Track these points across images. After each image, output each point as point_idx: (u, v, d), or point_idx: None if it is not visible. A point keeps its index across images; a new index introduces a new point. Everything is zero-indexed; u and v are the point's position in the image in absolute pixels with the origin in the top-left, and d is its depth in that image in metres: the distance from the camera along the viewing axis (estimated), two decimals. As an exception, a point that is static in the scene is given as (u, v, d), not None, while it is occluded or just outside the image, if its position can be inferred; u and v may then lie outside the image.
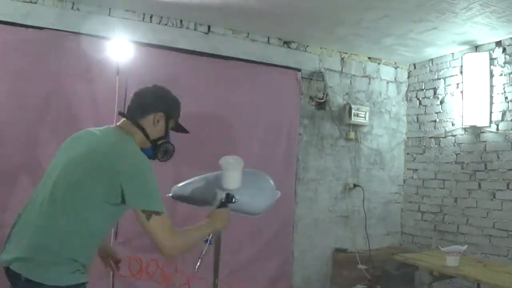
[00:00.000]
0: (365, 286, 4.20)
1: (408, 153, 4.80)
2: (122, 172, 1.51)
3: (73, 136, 1.75)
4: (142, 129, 1.71)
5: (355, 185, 4.49)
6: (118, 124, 1.75)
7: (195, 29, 3.80)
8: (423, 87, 4.65)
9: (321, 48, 4.37)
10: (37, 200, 1.57)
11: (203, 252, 1.84)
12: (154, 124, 1.74)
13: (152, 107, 1.76)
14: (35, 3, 3.25)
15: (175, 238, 1.60)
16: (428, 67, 4.60)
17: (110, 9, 3.47)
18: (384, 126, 4.72)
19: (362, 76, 4.61)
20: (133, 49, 3.45)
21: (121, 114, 1.78)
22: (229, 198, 1.88)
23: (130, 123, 1.72)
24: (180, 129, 1.91)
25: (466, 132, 4.11)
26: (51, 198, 1.53)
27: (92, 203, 1.52)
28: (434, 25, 3.53)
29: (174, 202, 2.19)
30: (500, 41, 3.82)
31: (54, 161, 1.68)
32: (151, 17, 3.62)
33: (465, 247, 3.14)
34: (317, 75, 4.33)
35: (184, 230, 1.71)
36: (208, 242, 1.82)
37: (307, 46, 4.30)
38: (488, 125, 3.86)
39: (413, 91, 4.80)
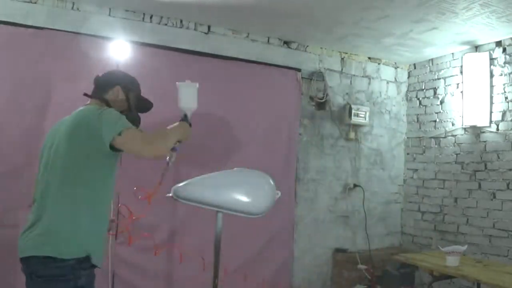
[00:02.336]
0: (365, 286, 4.21)
1: (408, 153, 4.80)
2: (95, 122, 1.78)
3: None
4: (107, 102, 1.99)
5: (355, 185, 4.49)
6: (87, 104, 2.02)
7: (195, 29, 3.80)
8: (423, 87, 4.66)
9: (321, 48, 4.37)
10: None
11: (169, 160, 2.07)
12: (116, 98, 2.03)
13: (109, 83, 2.06)
14: (35, 3, 3.25)
15: (148, 140, 1.79)
16: (428, 67, 4.60)
17: (110, 9, 3.47)
18: (384, 126, 4.72)
19: (362, 76, 4.61)
20: (133, 49, 3.45)
21: (86, 95, 2.06)
22: (186, 117, 2.15)
23: (97, 100, 2.01)
24: (142, 104, 2.17)
25: (466, 132, 4.11)
26: None
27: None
28: (434, 25, 3.54)
29: (174, 202, 2.19)
30: (500, 41, 3.82)
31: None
32: (151, 17, 3.62)
33: (465, 247, 3.15)
34: (317, 75, 4.33)
35: (152, 131, 1.89)
36: (176, 150, 2.05)
37: (307, 46, 4.30)
38: (488, 125, 3.87)
39: (413, 91, 4.80)
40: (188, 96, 2.15)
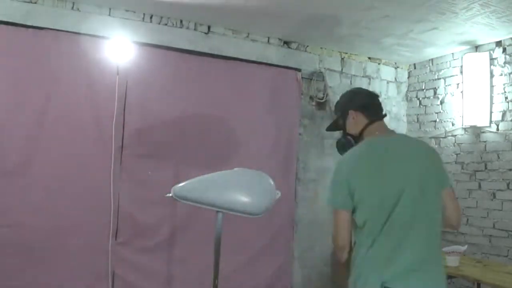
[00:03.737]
0: (365, 286, 4.20)
1: (408, 153, 4.79)
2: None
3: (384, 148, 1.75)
4: None
5: (355, 185, 4.48)
6: (389, 128, 1.91)
7: (195, 29, 3.80)
8: (423, 87, 4.65)
9: (321, 48, 4.37)
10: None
11: None
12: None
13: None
14: (35, 3, 3.25)
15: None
16: (428, 67, 4.60)
17: (110, 9, 3.47)
18: (384, 126, 4.71)
19: (362, 76, 4.61)
20: (133, 49, 3.45)
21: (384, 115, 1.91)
22: None
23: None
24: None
25: (466, 132, 4.11)
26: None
27: None
28: (434, 25, 3.54)
29: (174, 202, 2.20)
30: (500, 41, 3.82)
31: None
32: (151, 17, 3.62)
33: (465, 247, 3.15)
34: (317, 75, 4.33)
35: None
36: None
37: (307, 46, 4.30)
38: (488, 125, 3.86)
39: (413, 91, 4.80)
40: None
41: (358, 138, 1.84)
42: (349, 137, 1.88)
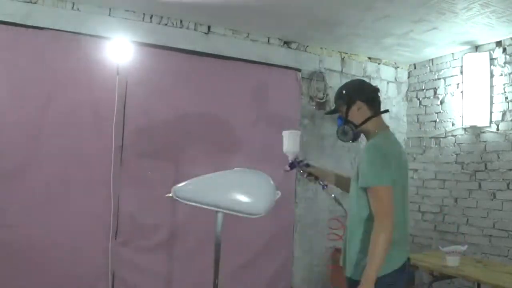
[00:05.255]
0: (365, 286, 4.20)
1: (408, 153, 4.80)
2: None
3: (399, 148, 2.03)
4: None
5: (355, 185, 4.48)
6: (385, 123, 2.06)
7: (195, 29, 3.80)
8: (423, 87, 4.66)
9: (321, 48, 4.37)
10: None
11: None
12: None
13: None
14: (35, 3, 3.25)
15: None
16: (428, 67, 4.60)
17: (110, 9, 3.47)
18: (384, 126, 4.71)
19: (362, 76, 4.60)
20: (133, 49, 3.45)
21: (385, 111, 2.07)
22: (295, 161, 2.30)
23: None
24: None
25: (466, 132, 4.11)
26: None
27: None
28: (434, 25, 3.54)
29: (174, 202, 2.19)
30: (500, 41, 3.82)
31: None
32: (151, 17, 3.62)
33: (465, 247, 3.14)
34: (317, 75, 4.33)
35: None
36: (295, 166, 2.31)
37: (307, 46, 4.30)
38: (488, 125, 3.87)
39: (413, 91, 4.80)
40: (291, 142, 2.31)
41: (357, 127, 2.02)
42: (350, 125, 2.02)
